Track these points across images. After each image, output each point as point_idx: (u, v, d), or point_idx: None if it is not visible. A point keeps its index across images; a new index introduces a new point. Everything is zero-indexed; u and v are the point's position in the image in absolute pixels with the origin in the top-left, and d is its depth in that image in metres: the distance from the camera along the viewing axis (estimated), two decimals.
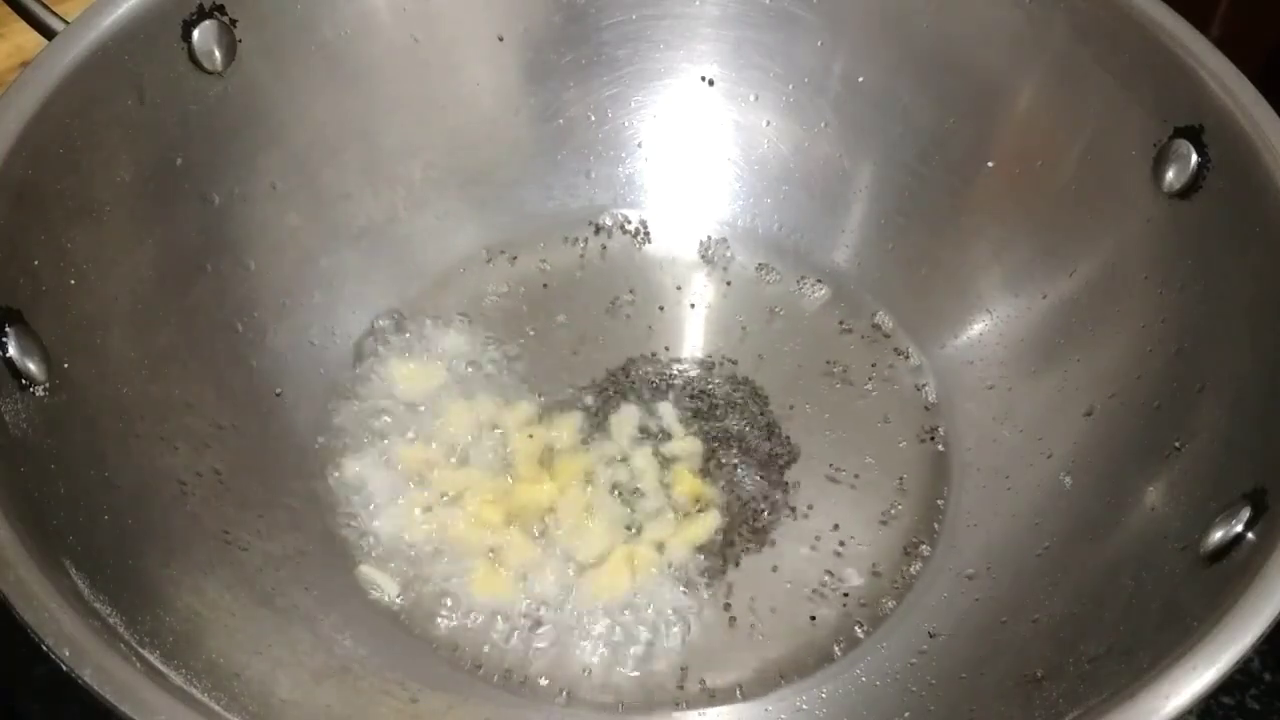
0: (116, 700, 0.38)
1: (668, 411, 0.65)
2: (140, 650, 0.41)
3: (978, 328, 0.66)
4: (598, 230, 0.72)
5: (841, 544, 0.61)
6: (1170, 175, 0.56)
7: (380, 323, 0.66)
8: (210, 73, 0.57)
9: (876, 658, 0.57)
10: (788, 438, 0.64)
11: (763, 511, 0.61)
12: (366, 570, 0.58)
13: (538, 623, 0.57)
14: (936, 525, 0.61)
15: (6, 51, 0.77)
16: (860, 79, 0.67)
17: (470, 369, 0.66)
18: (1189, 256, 0.55)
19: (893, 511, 0.62)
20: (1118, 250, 0.59)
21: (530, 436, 0.63)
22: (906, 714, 0.52)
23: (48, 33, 0.54)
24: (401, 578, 0.58)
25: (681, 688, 0.56)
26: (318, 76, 0.62)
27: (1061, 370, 0.61)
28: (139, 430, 0.53)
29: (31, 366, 0.47)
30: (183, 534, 0.52)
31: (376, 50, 0.64)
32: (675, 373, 0.67)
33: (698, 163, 0.72)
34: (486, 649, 0.56)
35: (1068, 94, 0.60)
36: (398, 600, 0.57)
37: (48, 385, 0.48)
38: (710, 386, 0.66)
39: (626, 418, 0.64)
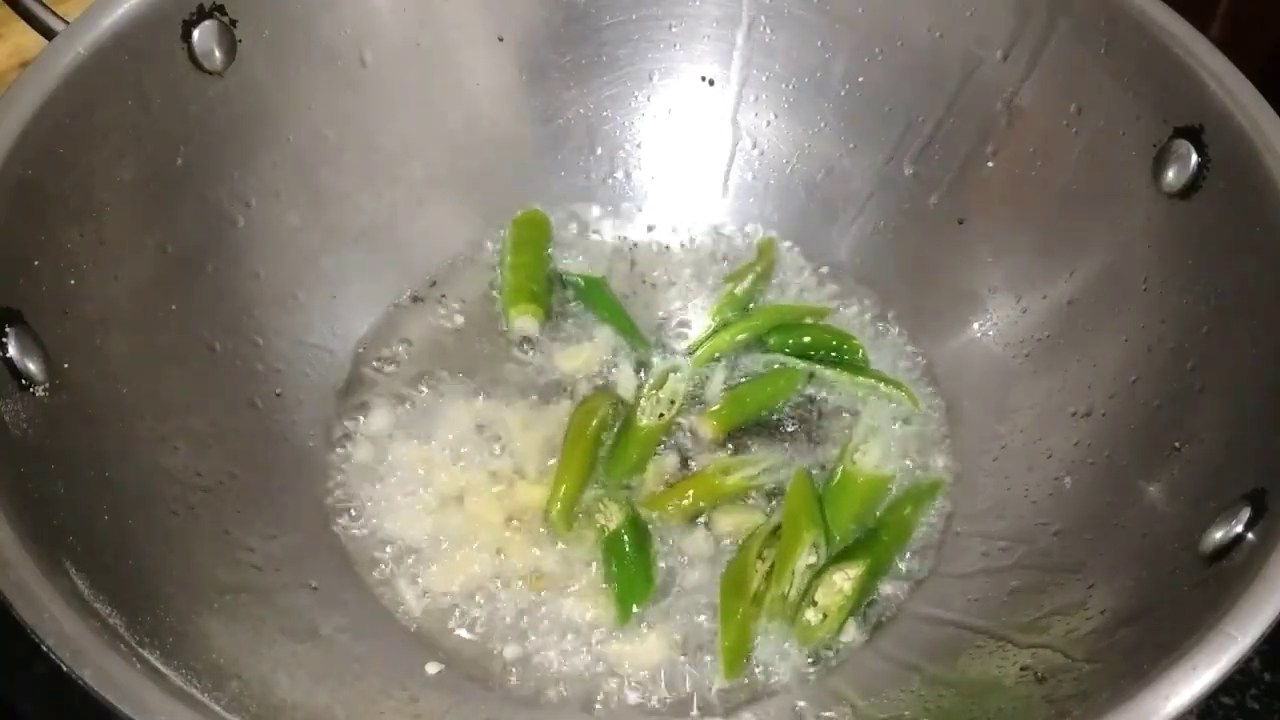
0: (117, 701, 0.38)
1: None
2: (140, 650, 0.41)
3: (977, 328, 0.66)
4: (598, 230, 0.72)
5: None
6: (1170, 175, 0.56)
7: (380, 322, 0.67)
8: (210, 73, 0.58)
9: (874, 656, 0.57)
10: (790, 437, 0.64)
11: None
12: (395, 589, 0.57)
13: (538, 623, 0.57)
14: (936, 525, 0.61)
15: (6, 51, 0.77)
16: (860, 79, 0.67)
17: (471, 368, 0.66)
18: (1189, 257, 0.55)
19: None
20: (1117, 251, 0.59)
21: (530, 436, 0.63)
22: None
23: (48, 33, 0.55)
24: (403, 578, 0.58)
25: (693, 691, 0.56)
26: (318, 76, 0.62)
27: (1061, 370, 0.61)
28: (139, 430, 0.53)
29: (31, 366, 0.47)
30: (183, 534, 0.52)
31: (377, 50, 0.64)
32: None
33: (698, 163, 0.72)
34: (486, 649, 0.56)
35: (1068, 94, 0.60)
36: (416, 611, 0.57)
37: (48, 385, 0.48)
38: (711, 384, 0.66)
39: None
